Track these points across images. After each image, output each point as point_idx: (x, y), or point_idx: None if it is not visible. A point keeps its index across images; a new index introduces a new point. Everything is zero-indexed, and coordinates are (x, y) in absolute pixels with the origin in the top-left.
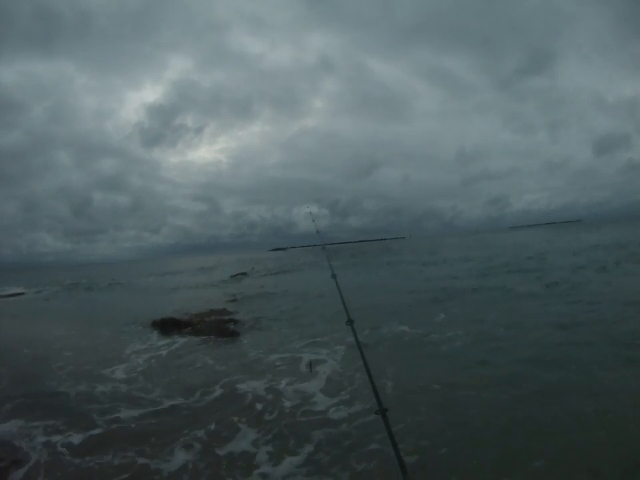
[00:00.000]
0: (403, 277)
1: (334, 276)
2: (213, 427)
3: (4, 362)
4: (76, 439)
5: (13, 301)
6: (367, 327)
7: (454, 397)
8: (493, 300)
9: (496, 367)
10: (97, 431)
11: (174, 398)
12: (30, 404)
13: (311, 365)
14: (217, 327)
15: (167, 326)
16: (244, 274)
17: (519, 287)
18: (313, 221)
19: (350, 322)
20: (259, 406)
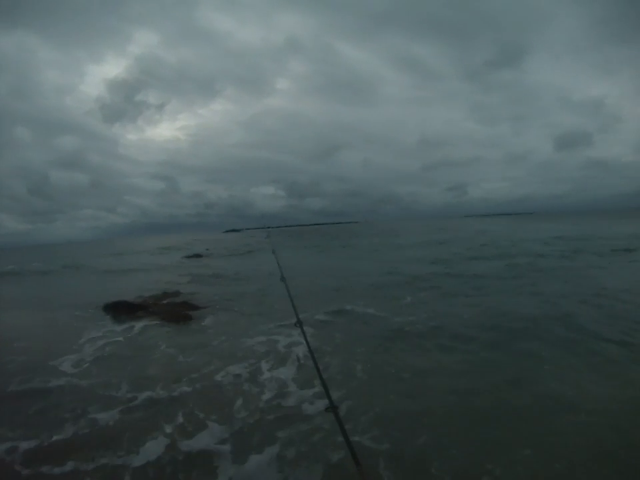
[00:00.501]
0: (361, 260)
1: (283, 279)
2: (180, 421)
3: None
4: (26, 445)
5: None
6: (333, 308)
7: (423, 384)
8: (456, 285)
9: (463, 352)
10: (57, 436)
11: (137, 392)
12: None
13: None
14: (171, 310)
15: (120, 310)
16: (198, 255)
17: (479, 272)
18: None
19: (299, 323)
20: (227, 398)
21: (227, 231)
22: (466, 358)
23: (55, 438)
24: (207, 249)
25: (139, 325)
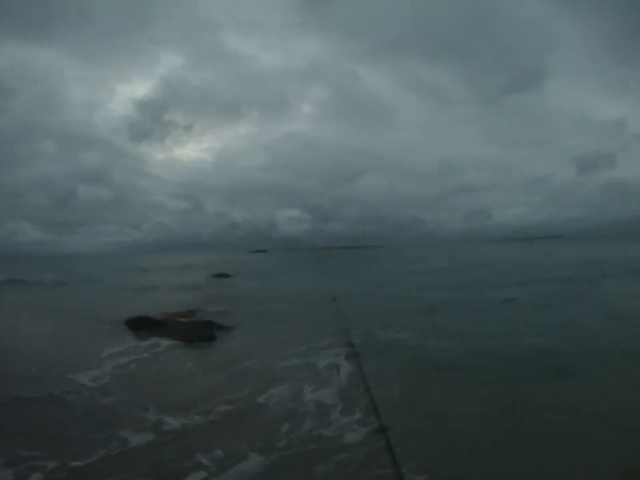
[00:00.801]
0: (386, 286)
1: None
2: (216, 452)
3: None
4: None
5: None
6: (364, 334)
7: (460, 415)
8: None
9: (496, 386)
10: (78, 462)
11: (168, 414)
12: None
13: (338, 368)
14: (195, 328)
15: (141, 325)
16: (224, 275)
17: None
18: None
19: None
20: (266, 425)
21: (254, 251)
22: (498, 393)
23: (85, 459)
24: (233, 269)
25: (161, 342)
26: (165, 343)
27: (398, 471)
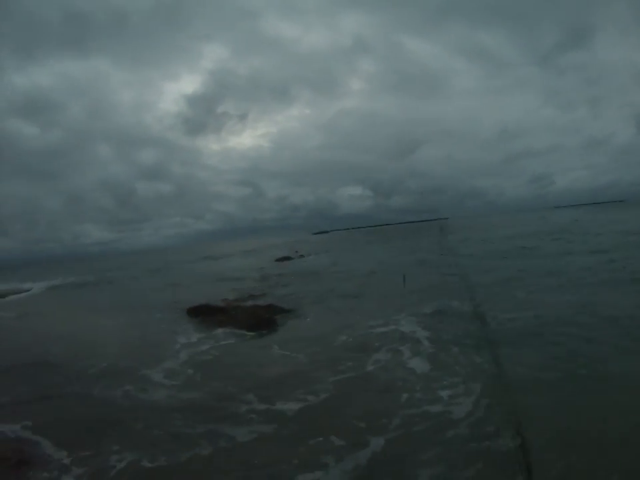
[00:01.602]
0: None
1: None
2: (334, 438)
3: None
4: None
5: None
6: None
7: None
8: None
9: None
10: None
11: (266, 403)
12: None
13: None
14: (255, 314)
15: (203, 313)
16: (288, 258)
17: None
18: None
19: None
20: (374, 404)
21: (316, 233)
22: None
23: (187, 455)
24: (296, 251)
25: (223, 330)
26: (229, 330)
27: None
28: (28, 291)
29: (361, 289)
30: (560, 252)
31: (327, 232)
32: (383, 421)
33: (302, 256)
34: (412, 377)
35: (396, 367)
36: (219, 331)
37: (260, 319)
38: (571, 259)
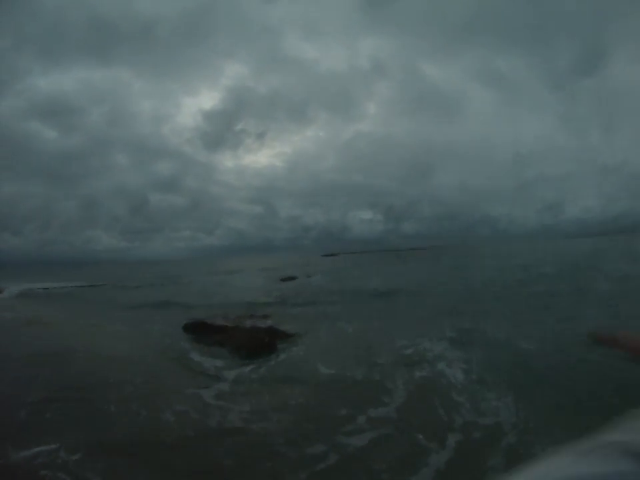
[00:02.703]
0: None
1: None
2: None
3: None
4: None
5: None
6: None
7: None
8: None
9: None
10: None
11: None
12: None
13: None
14: (253, 336)
15: (199, 331)
16: (295, 277)
17: None
18: None
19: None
20: None
21: (325, 255)
22: None
23: None
24: (304, 272)
25: (219, 351)
26: (225, 352)
27: None
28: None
29: (371, 311)
30: None
31: (336, 254)
32: None
33: (309, 276)
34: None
35: None
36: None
37: (259, 342)
38: None
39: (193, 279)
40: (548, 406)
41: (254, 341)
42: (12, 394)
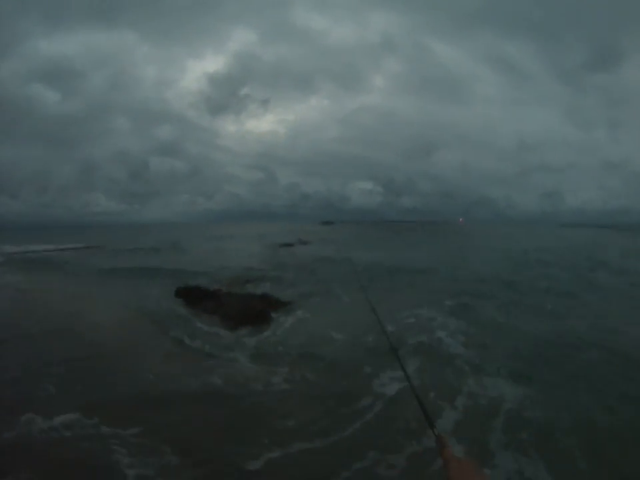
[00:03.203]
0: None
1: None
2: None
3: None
4: None
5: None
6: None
7: None
8: None
9: None
10: None
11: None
12: None
13: None
14: (246, 305)
15: (192, 296)
16: (291, 244)
17: None
18: None
19: (394, 349)
20: None
21: (322, 223)
22: None
23: None
24: (300, 238)
25: (210, 319)
26: (216, 321)
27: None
28: None
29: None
30: None
31: (332, 223)
32: None
33: (306, 243)
34: None
35: None
36: (203, 321)
37: (252, 311)
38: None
39: (190, 243)
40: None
41: (246, 309)
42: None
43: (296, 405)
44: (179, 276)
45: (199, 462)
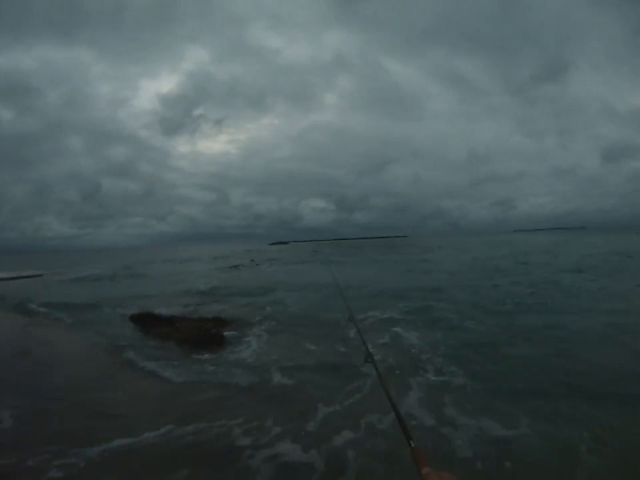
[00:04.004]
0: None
1: (351, 318)
2: None
3: None
4: None
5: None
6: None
7: None
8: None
9: None
10: None
11: None
12: None
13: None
14: (200, 327)
15: (146, 322)
16: (242, 265)
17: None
18: None
19: (370, 358)
20: None
21: (272, 243)
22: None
23: None
24: (252, 260)
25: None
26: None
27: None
28: None
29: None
30: None
31: (285, 242)
32: None
33: (257, 265)
34: None
35: None
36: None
37: (206, 334)
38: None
39: (143, 267)
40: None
41: (200, 332)
42: None
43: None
44: (131, 303)
45: None
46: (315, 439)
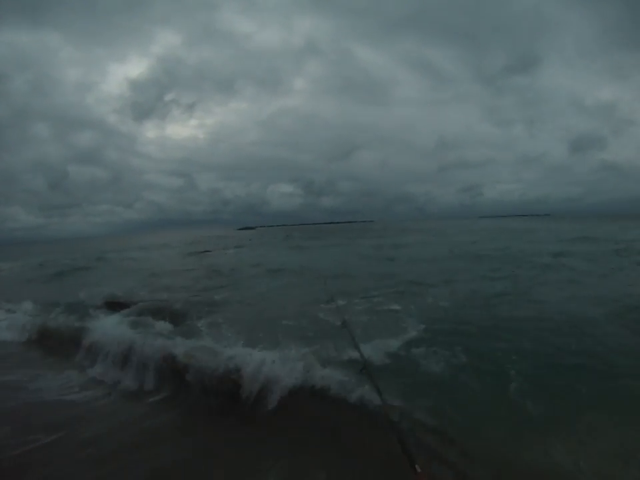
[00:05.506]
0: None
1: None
2: None
3: None
4: None
5: None
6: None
7: None
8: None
9: None
10: None
11: None
12: None
13: None
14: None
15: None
16: (209, 251)
17: None
18: None
19: (364, 368)
20: None
21: (240, 229)
22: None
23: None
24: (218, 245)
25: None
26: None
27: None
28: None
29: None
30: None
31: (252, 228)
32: None
33: (224, 249)
34: None
35: None
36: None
37: (175, 316)
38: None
39: (108, 256)
40: None
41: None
42: None
43: None
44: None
45: None
46: None
